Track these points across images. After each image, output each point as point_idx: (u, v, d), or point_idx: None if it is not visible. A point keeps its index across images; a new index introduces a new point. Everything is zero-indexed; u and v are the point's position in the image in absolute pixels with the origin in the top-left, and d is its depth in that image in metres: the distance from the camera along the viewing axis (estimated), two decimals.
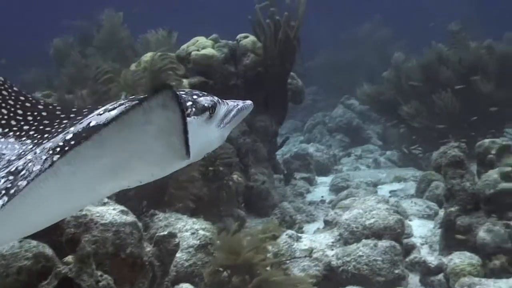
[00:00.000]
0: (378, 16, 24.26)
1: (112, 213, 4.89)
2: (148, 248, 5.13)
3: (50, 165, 2.55)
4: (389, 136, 14.24)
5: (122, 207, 5.05)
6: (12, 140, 3.54)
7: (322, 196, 10.35)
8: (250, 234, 5.96)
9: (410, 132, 12.80)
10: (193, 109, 3.24)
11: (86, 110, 3.55)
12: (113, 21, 13.39)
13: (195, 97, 3.30)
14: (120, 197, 5.89)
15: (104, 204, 5.11)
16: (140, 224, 5.14)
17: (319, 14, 29.18)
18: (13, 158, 3.30)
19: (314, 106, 19.64)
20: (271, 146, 10.12)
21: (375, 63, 19.20)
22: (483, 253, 6.22)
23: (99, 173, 2.76)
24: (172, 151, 2.81)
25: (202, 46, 9.44)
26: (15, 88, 3.91)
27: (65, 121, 3.52)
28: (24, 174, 2.98)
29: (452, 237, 6.59)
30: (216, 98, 3.36)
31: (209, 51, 9.36)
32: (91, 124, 3.07)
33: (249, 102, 3.53)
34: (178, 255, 5.52)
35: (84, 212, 4.70)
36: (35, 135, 3.50)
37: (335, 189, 10.58)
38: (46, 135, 3.37)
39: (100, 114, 3.13)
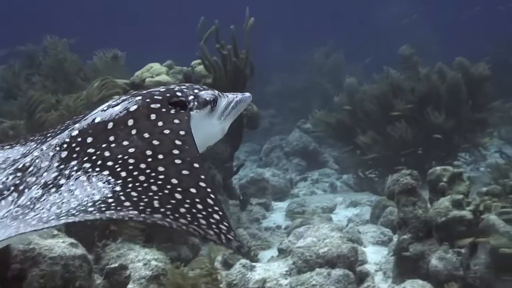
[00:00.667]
0: (331, 41, 24.54)
1: (61, 246, 4.81)
2: (99, 280, 5.05)
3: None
4: (345, 160, 14.31)
5: (71, 240, 4.97)
6: (17, 147, 3.50)
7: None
8: (202, 264, 5.91)
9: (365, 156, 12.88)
10: (195, 103, 3.32)
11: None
12: (58, 48, 13.21)
13: (196, 91, 3.38)
14: (72, 228, 5.80)
15: (54, 236, 5.01)
16: (90, 256, 5.07)
17: (275, 38, 29.53)
18: (18, 157, 3.30)
19: (272, 130, 19.68)
20: (227, 172, 10.09)
21: (330, 87, 19.44)
22: (435, 280, 6.27)
23: None
24: None
25: (156, 72, 9.39)
26: None
27: (67, 120, 3.47)
28: (32, 170, 3.02)
29: (405, 265, 6.64)
30: (216, 92, 3.48)
31: (163, 77, 9.31)
32: (96, 121, 3.13)
33: (247, 94, 3.72)
34: (129, 286, 5.44)
35: (32, 246, 4.61)
36: (37, 138, 3.45)
37: (291, 214, 10.57)
38: (49, 135, 3.34)
39: (104, 110, 3.19)
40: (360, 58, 23.58)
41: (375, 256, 7.87)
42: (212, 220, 2.46)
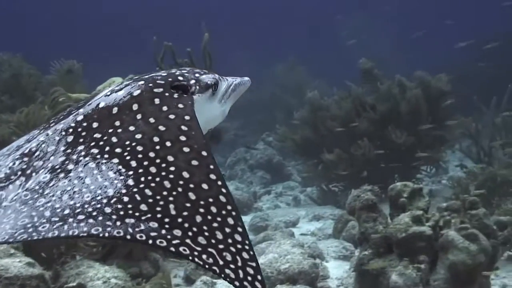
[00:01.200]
0: (293, 56, 24.68)
1: (17, 265, 4.72)
2: None
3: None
4: (309, 173, 14.35)
5: (28, 259, 4.89)
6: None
7: None
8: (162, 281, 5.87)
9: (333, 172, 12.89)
10: (197, 87, 3.34)
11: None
12: (12, 64, 13.04)
13: (197, 75, 3.41)
14: (31, 245, 5.71)
15: (10, 255, 4.92)
16: (47, 275, 4.98)
17: (240, 51, 29.61)
18: (22, 143, 3.29)
19: (236, 142, 19.70)
20: None
21: (295, 101, 19.54)
22: None
23: None
24: None
25: None
26: None
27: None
28: (38, 154, 3.03)
29: (365, 281, 6.68)
30: (217, 76, 3.54)
31: None
32: (100, 106, 3.15)
33: (246, 78, 3.80)
34: None
35: None
36: (41, 126, 3.43)
37: (254, 229, 10.55)
38: (52, 121, 3.35)
39: (108, 95, 3.22)
40: (324, 72, 23.76)
41: (336, 271, 7.91)
42: (239, 264, 2.48)
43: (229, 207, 2.60)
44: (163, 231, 2.49)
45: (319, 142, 12.84)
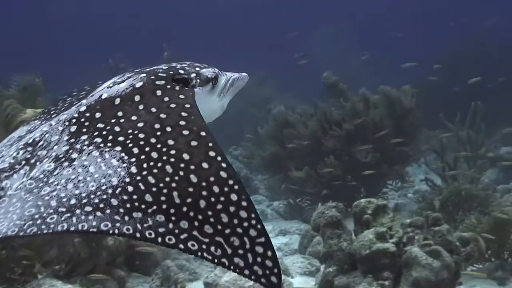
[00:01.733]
0: (261, 71, 24.75)
1: None
2: None
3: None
4: (276, 187, 14.33)
5: None
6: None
7: None
8: None
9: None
10: (198, 80, 3.44)
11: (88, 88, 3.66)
12: None
13: (197, 69, 3.51)
14: None
15: None
16: None
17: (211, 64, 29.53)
18: (24, 133, 3.36)
19: None
20: None
21: (262, 115, 19.53)
22: None
23: None
24: None
25: None
26: None
27: (68, 99, 3.60)
28: (42, 144, 3.10)
29: None
30: (217, 70, 3.64)
31: None
32: (103, 97, 3.24)
33: (244, 74, 3.89)
34: None
35: None
36: (42, 117, 3.50)
37: None
38: (52, 111, 3.45)
39: (110, 87, 3.31)
40: (293, 86, 23.85)
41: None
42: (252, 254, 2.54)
43: (230, 182, 2.64)
44: (170, 225, 2.53)
45: (286, 158, 12.82)
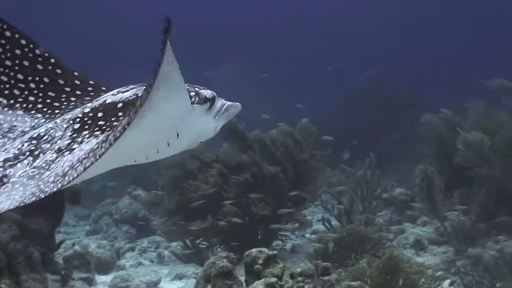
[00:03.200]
0: None
1: None
2: None
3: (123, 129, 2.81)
4: (174, 228, 14.12)
5: None
6: (20, 112, 3.90)
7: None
8: None
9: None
10: (197, 98, 3.62)
11: (91, 88, 4.09)
12: None
13: (197, 89, 3.70)
14: None
15: None
16: None
17: None
18: (27, 129, 3.70)
19: (104, 194, 19.16)
20: (47, 248, 9.65)
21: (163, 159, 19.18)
22: None
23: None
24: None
25: None
26: (8, 33, 4.08)
27: (73, 98, 3.97)
28: (46, 138, 3.40)
29: None
30: (214, 93, 3.79)
31: None
32: (107, 101, 3.55)
33: (237, 103, 4.03)
34: None
35: None
36: (44, 109, 3.91)
37: None
38: (56, 111, 3.81)
39: (115, 95, 3.59)
40: None
41: None
42: None
43: None
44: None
45: (188, 206, 12.49)
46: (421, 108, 16.10)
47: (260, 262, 6.95)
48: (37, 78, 4.05)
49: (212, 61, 33.83)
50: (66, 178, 2.94)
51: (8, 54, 4.04)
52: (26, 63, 4.05)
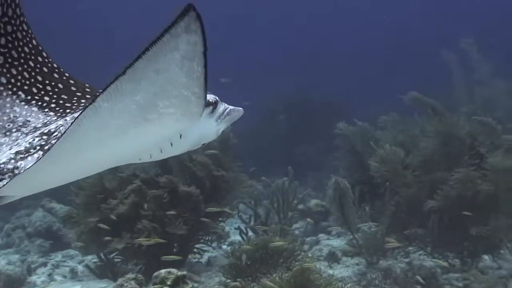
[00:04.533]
0: None
1: None
2: None
3: (91, 102, 2.81)
4: (89, 241, 13.78)
5: None
6: (35, 109, 4.11)
7: None
8: None
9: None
10: None
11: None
12: None
13: None
14: None
15: None
16: None
17: None
18: (39, 125, 3.88)
19: (17, 206, 18.59)
20: None
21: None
22: None
23: (131, 112, 2.98)
24: (191, 83, 2.93)
25: None
26: (34, 42, 4.45)
27: (83, 100, 4.19)
28: (56, 135, 3.52)
29: None
30: (217, 97, 3.96)
31: None
32: None
33: (240, 108, 4.18)
34: None
35: None
36: (57, 108, 4.12)
37: None
38: (68, 110, 4.03)
39: None
40: None
41: None
42: None
43: None
44: None
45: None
46: (341, 118, 16.19)
47: (169, 283, 6.95)
48: (53, 83, 4.34)
49: None
50: None
51: (33, 57, 4.41)
52: (45, 69, 4.40)
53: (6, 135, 3.86)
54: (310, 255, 11.75)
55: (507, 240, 11.34)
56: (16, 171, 3.34)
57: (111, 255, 12.46)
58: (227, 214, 13.18)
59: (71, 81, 4.45)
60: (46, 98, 4.23)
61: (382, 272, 10.70)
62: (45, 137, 3.57)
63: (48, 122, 3.89)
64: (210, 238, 13.11)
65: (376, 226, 12.01)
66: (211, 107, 3.87)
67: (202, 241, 12.80)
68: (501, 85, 19.15)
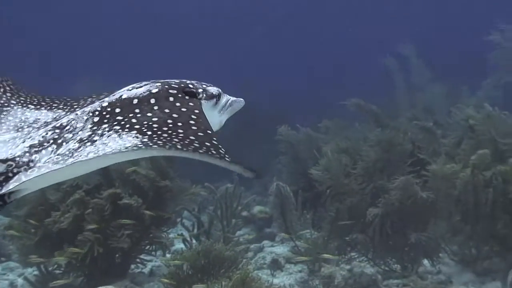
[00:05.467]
0: None
1: None
2: None
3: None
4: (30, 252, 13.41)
5: None
6: (45, 111, 4.32)
7: None
8: None
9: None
10: (204, 94, 4.08)
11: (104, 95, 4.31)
12: None
13: (204, 86, 4.15)
14: None
15: None
16: None
17: None
18: (49, 120, 4.08)
19: None
20: None
21: None
22: None
23: None
24: None
25: None
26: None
27: (89, 99, 4.34)
28: (68, 128, 3.71)
29: None
30: (220, 90, 4.24)
31: None
32: (123, 97, 3.88)
33: (241, 99, 4.46)
34: None
35: None
36: (65, 107, 4.30)
37: None
38: (76, 106, 4.20)
39: (130, 90, 3.94)
40: None
41: None
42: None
43: (226, 158, 3.26)
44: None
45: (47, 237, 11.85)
46: (285, 122, 16.11)
47: None
48: (61, 98, 4.60)
49: None
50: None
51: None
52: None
53: (18, 131, 4.02)
54: (253, 262, 11.78)
55: (445, 244, 11.57)
56: (31, 164, 3.48)
57: (52, 268, 12.16)
58: (171, 222, 13.05)
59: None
60: (55, 105, 4.44)
61: (324, 280, 10.73)
62: (57, 130, 3.72)
63: (58, 117, 4.05)
64: (154, 247, 12.95)
65: (317, 233, 12.04)
66: (214, 99, 4.17)
67: (145, 251, 12.63)
68: (440, 89, 19.55)
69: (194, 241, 13.02)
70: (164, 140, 3.35)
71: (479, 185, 10.78)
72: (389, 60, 21.03)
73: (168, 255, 13.95)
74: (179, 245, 14.34)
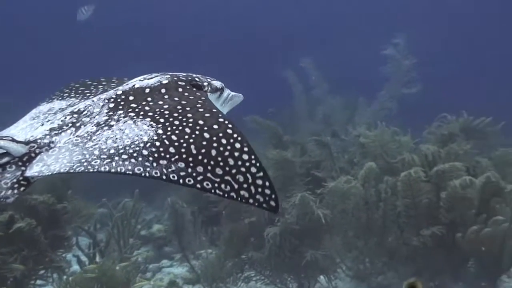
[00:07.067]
0: None
1: None
2: None
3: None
4: None
5: None
6: (57, 101, 4.48)
7: None
8: None
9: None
10: (209, 87, 4.32)
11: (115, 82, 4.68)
12: None
13: (209, 80, 4.38)
14: None
15: None
16: None
17: None
18: (64, 107, 4.26)
19: None
20: None
21: None
22: None
23: None
24: None
25: None
26: None
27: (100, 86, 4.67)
28: (86, 113, 3.89)
29: None
30: (223, 84, 4.48)
31: None
32: (136, 86, 4.09)
33: (240, 94, 4.70)
34: None
35: None
36: (77, 95, 4.50)
37: None
38: (88, 93, 4.47)
39: (141, 80, 4.16)
40: None
41: None
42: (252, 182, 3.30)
43: (235, 135, 3.42)
44: (189, 170, 3.24)
45: None
46: None
47: None
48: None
49: None
50: (114, 164, 3.31)
51: None
52: None
53: (34, 119, 4.16)
54: (151, 284, 11.55)
55: (341, 260, 11.72)
56: (52, 145, 3.62)
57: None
58: (68, 245, 12.59)
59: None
60: (65, 94, 4.60)
61: None
62: (75, 115, 3.89)
63: (73, 104, 4.25)
64: (50, 271, 12.41)
65: (213, 252, 11.94)
66: (218, 92, 4.41)
67: (39, 276, 12.09)
68: (338, 101, 20.03)
69: (87, 262, 12.55)
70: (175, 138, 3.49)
71: (370, 199, 10.99)
72: (288, 72, 21.25)
73: (65, 277, 13.53)
74: (76, 267, 13.85)
